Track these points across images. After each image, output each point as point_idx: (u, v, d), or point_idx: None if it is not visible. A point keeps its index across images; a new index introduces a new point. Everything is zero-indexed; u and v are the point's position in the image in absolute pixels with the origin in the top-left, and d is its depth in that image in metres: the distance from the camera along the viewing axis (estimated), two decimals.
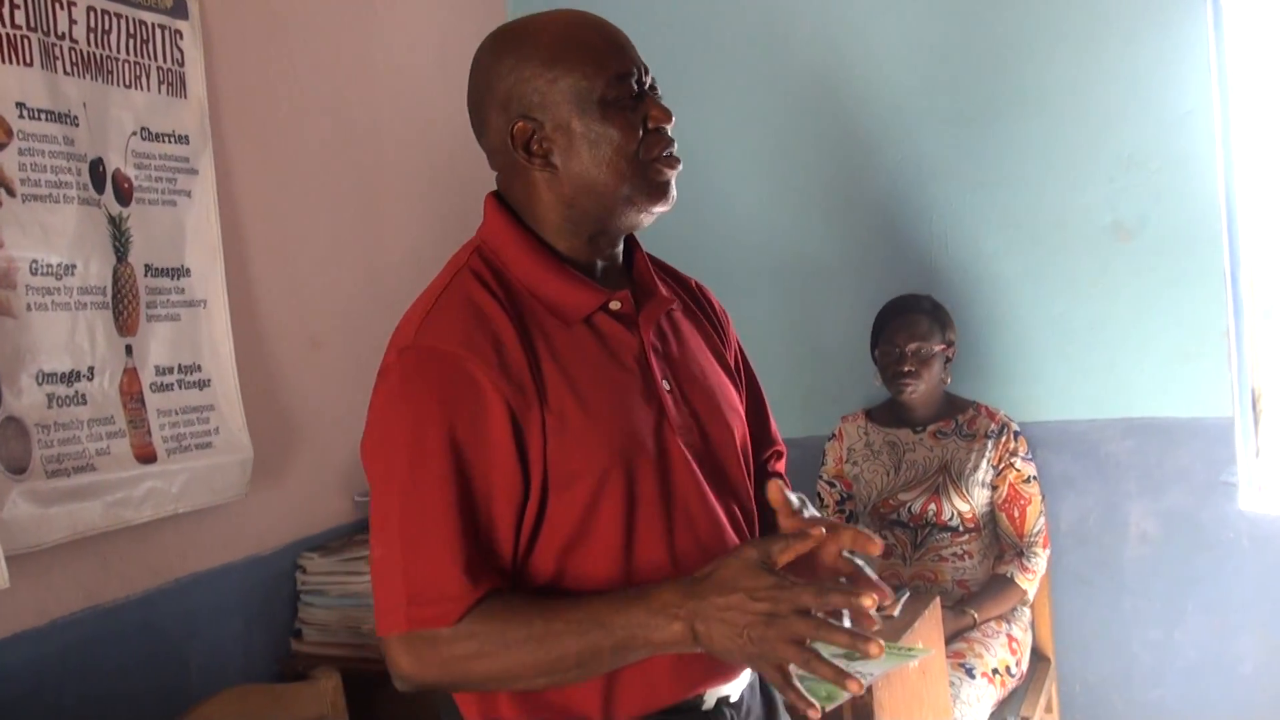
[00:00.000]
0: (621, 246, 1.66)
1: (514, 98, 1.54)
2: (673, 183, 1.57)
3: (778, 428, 1.90)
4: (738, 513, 1.63)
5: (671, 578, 1.46)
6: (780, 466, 1.88)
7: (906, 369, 3.27)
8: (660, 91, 1.59)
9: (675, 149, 1.57)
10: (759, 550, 1.41)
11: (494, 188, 1.65)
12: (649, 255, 1.73)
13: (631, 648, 1.42)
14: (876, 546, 1.46)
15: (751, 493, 1.68)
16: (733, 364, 1.79)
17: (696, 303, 1.78)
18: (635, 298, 1.62)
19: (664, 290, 1.67)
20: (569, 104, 1.52)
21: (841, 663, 2.33)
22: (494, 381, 1.45)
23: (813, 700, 1.37)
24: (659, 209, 1.57)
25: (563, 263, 1.57)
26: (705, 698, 1.58)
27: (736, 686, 1.62)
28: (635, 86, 1.54)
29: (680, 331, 1.69)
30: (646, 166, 1.53)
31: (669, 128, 1.56)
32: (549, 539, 1.49)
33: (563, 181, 1.55)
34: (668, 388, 1.59)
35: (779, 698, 1.73)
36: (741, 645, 1.36)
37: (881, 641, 1.34)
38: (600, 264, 1.62)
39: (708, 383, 1.66)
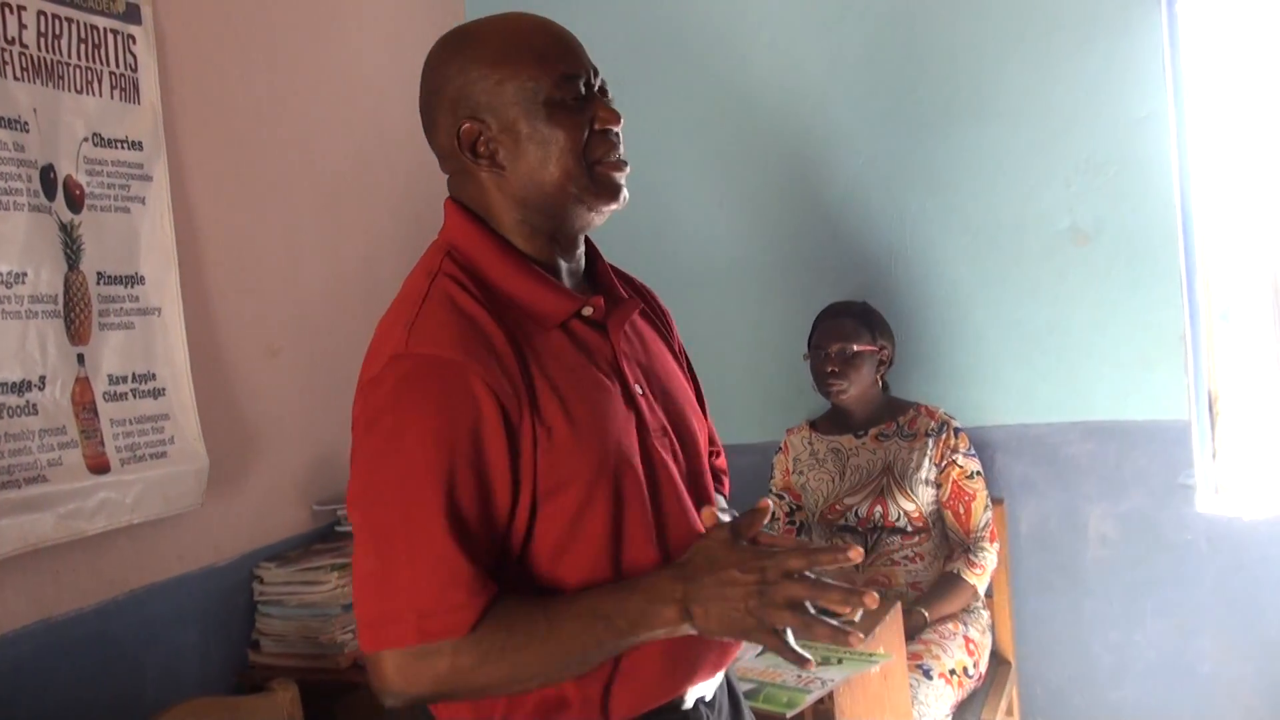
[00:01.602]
0: (582, 249, 1.66)
1: (461, 99, 1.54)
2: (623, 183, 1.57)
3: (729, 432, 1.93)
4: (708, 502, 1.65)
5: (657, 566, 1.49)
6: (722, 463, 1.92)
7: (830, 369, 3.28)
8: (611, 95, 1.59)
9: (623, 151, 1.57)
10: (729, 528, 1.44)
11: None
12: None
13: (630, 636, 1.43)
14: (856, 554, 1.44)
15: (711, 487, 1.71)
16: (683, 364, 1.82)
17: (649, 304, 1.80)
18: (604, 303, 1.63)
19: (626, 294, 1.69)
20: (515, 105, 1.52)
21: (803, 670, 2.34)
22: (491, 388, 1.43)
23: (807, 655, 1.40)
24: (609, 208, 1.57)
25: (534, 265, 1.57)
26: (686, 697, 1.59)
27: (712, 686, 1.64)
28: (583, 88, 1.55)
29: (643, 336, 1.70)
30: (592, 168, 1.54)
31: (617, 129, 1.56)
32: (541, 544, 1.49)
33: (510, 182, 1.55)
34: (640, 392, 1.60)
35: (742, 697, 1.77)
36: (740, 618, 1.39)
37: (875, 594, 1.36)
38: (565, 267, 1.62)
39: (672, 385, 1.68)
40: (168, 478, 2.67)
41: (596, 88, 1.57)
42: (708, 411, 1.88)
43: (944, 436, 3.26)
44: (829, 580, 1.39)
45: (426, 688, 1.42)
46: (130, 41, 2.67)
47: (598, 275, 1.68)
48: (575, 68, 1.54)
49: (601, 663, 1.46)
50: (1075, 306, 3.39)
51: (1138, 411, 3.35)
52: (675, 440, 1.62)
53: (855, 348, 3.28)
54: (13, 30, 2.39)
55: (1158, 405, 3.33)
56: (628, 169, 1.58)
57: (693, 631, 1.43)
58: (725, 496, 1.90)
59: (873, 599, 1.35)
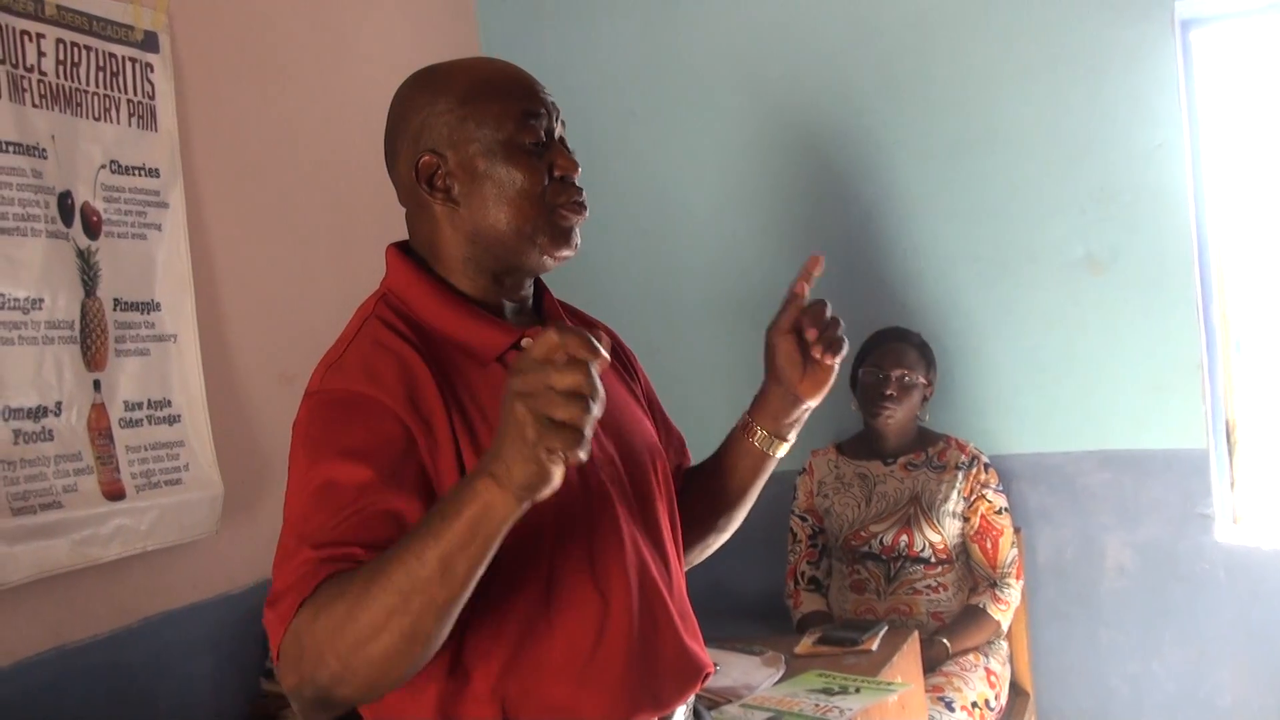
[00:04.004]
0: (531, 290, 1.66)
1: (424, 132, 1.56)
2: (576, 230, 1.57)
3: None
4: (659, 543, 1.63)
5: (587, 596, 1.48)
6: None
7: (889, 393, 3.28)
8: (571, 145, 1.60)
9: (583, 198, 1.58)
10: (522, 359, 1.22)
11: None
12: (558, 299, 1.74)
13: (453, 531, 1.22)
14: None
15: (670, 526, 1.68)
16: (645, 401, 1.81)
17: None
18: None
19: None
20: (475, 142, 1.54)
21: (821, 699, 2.33)
22: (400, 419, 1.42)
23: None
24: (562, 254, 1.57)
25: (471, 303, 1.58)
26: None
27: None
28: (544, 134, 1.56)
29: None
30: (552, 210, 1.54)
31: (575, 178, 1.57)
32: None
33: (464, 218, 1.56)
34: None
35: None
36: (532, 458, 1.16)
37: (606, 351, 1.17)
38: (509, 305, 1.62)
39: (625, 419, 1.67)
40: (183, 505, 2.67)
41: (557, 134, 1.58)
42: (672, 433, 1.90)
43: (974, 471, 3.26)
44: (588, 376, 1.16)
45: (307, 667, 1.29)
46: (148, 69, 2.68)
47: (545, 313, 1.68)
48: (536, 107, 1.56)
49: (463, 581, 1.27)
50: (1090, 335, 3.38)
51: (1154, 440, 3.33)
52: (625, 474, 1.61)
53: (918, 378, 3.30)
54: (31, 58, 2.40)
55: (1175, 434, 3.31)
56: (585, 214, 1.58)
57: (516, 501, 1.21)
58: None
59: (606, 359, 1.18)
